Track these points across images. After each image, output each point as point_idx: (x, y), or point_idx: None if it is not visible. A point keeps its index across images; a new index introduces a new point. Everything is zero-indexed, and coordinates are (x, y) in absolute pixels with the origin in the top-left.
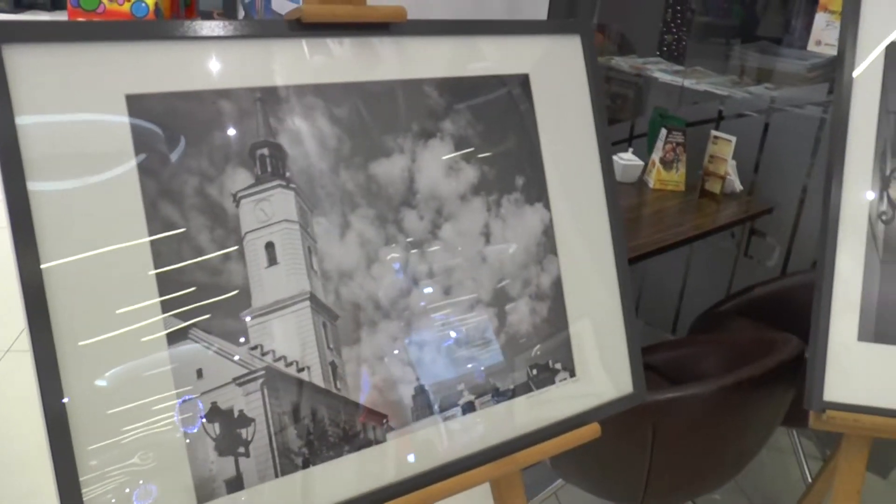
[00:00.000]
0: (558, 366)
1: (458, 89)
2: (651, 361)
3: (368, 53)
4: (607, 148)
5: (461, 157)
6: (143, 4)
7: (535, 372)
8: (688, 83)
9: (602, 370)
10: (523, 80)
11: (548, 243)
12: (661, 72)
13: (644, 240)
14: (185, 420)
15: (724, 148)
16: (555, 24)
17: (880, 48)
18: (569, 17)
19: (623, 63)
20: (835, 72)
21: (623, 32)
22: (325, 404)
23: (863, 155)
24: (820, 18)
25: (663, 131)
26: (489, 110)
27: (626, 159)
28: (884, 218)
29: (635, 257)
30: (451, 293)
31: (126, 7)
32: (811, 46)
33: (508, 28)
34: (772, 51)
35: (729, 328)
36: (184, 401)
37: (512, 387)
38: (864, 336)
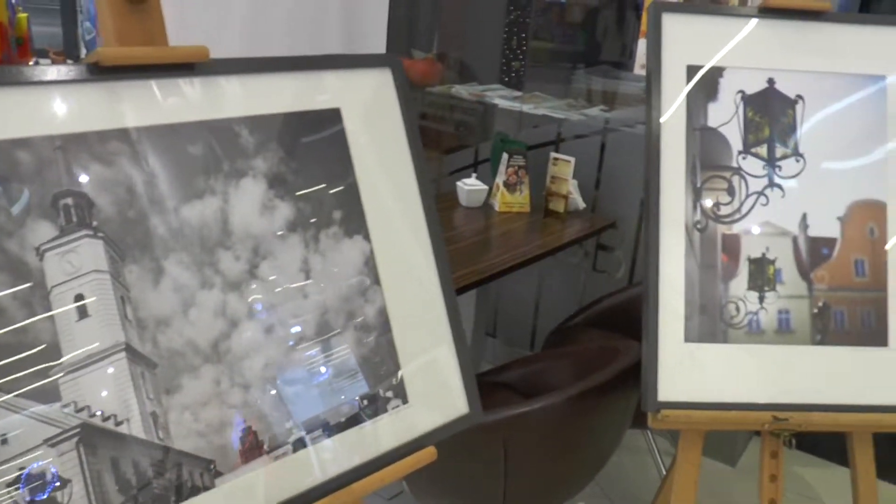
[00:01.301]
0: (389, 394)
1: (269, 127)
2: (505, 379)
3: (175, 95)
4: (425, 176)
5: (275, 194)
6: None
7: (365, 402)
8: (526, 108)
9: (435, 394)
10: (335, 115)
11: (370, 274)
12: (501, 98)
13: (492, 261)
14: None
15: (564, 168)
16: (365, 58)
17: (682, 69)
18: (408, 48)
19: (463, 91)
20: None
21: (464, 61)
22: (148, 456)
23: (676, 169)
24: (642, 44)
25: (505, 156)
26: (302, 146)
27: (471, 185)
28: (699, 226)
29: (484, 278)
30: (273, 332)
31: None
32: (637, 70)
33: (319, 63)
34: (612, 74)
35: (580, 340)
36: None
37: (343, 419)
38: (690, 337)
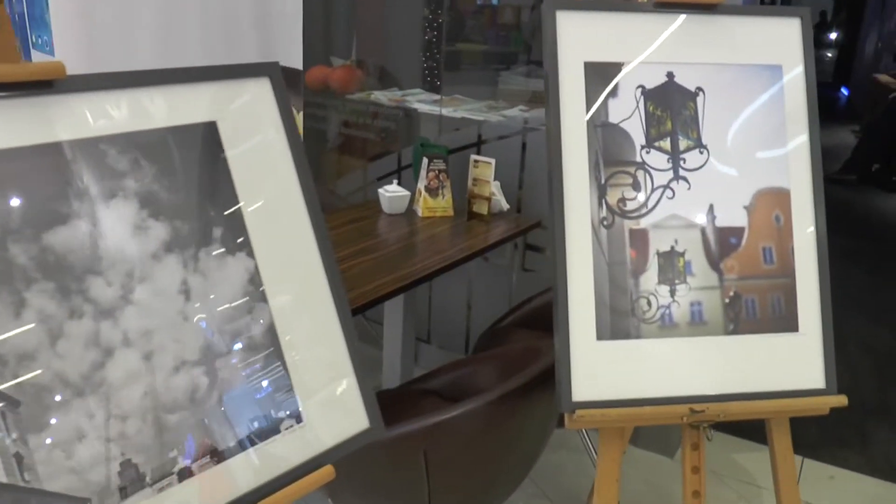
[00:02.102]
0: (282, 414)
1: (138, 144)
2: (432, 386)
3: (34, 114)
4: (310, 185)
5: (149, 214)
6: None
7: (256, 425)
8: (445, 111)
9: (332, 411)
10: (211, 129)
11: (255, 292)
12: (420, 102)
13: (415, 266)
14: None
15: (485, 170)
16: (241, 68)
17: (579, 67)
18: (326, 55)
19: (382, 97)
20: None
21: (385, 66)
22: (13, 500)
23: (578, 167)
24: None
25: (425, 160)
26: (177, 163)
27: (392, 191)
28: (605, 223)
29: (407, 284)
30: (152, 358)
31: None
32: None
33: (192, 76)
34: (536, 74)
35: (509, 341)
36: None
37: (232, 444)
38: (602, 335)
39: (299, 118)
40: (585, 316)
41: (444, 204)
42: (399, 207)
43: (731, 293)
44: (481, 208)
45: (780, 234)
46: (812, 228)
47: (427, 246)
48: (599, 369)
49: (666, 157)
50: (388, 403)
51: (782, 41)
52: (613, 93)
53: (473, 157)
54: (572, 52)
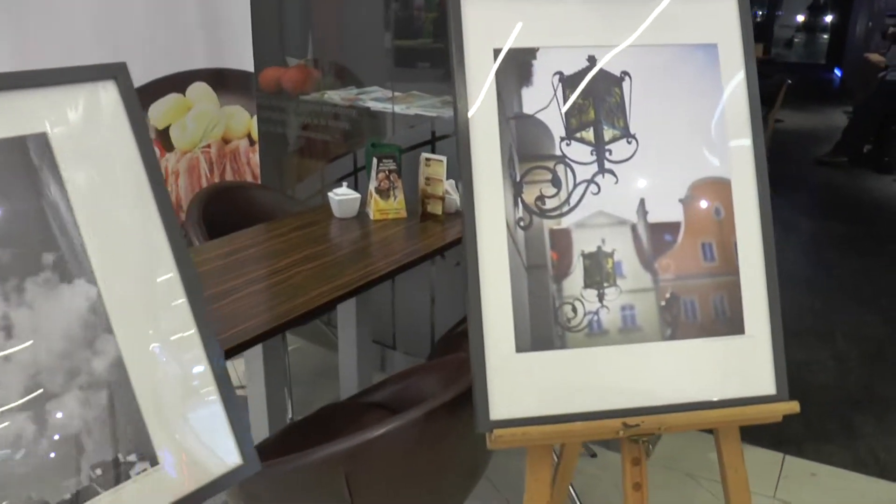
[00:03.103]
0: (133, 457)
1: None
2: (377, 399)
3: None
4: (165, 199)
5: None
6: None
7: (99, 472)
8: (398, 109)
9: (195, 449)
10: (41, 140)
11: (98, 322)
12: (374, 101)
13: (361, 272)
14: None
15: (437, 168)
16: (80, 70)
17: (488, 54)
18: (282, 55)
19: (336, 96)
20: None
21: (343, 65)
22: None
23: (491, 164)
24: None
25: (374, 161)
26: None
27: (341, 194)
28: (522, 224)
29: (352, 291)
30: None
31: None
32: None
33: (19, 82)
34: None
35: (462, 347)
36: None
37: (69, 495)
38: (522, 347)
39: (253, 122)
40: (502, 326)
41: (395, 205)
42: (350, 211)
43: (668, 295)
44: (435, 208)
45: (720, 228)
46: (757, 220)
47: (377, 249)
48: (520, 384)
49: (589, 148)
50: (331, 418)
51: (717, 18)
52: (527, 81)
53: (425, 155)
54: (480, 38)
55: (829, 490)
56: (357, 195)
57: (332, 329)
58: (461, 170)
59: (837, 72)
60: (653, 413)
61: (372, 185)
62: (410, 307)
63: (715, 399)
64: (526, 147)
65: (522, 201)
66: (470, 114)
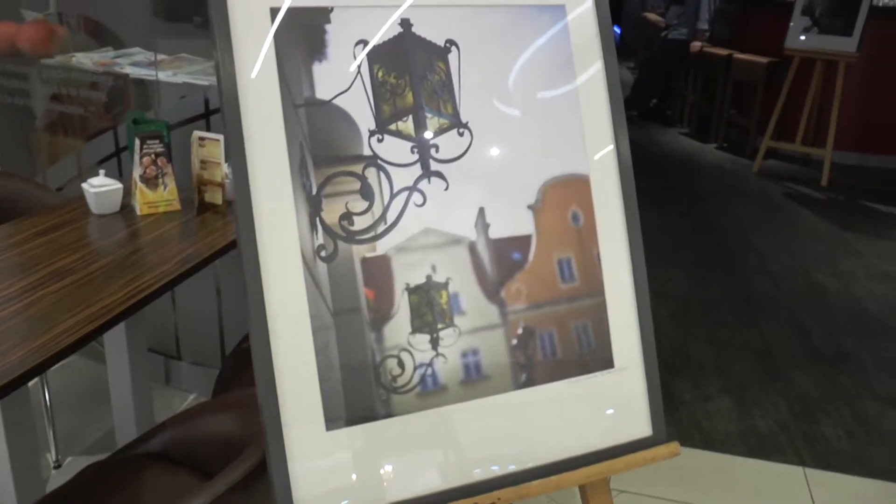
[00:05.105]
0: None
1: None
2: (155, 447)
3: None
4: None
5: None
6: None
7: None
8: (163, 76)
9: None
10: None
11: None
12: (134, 66)
13: (134, 285)
14: None
15: (213, 149)
16: None
17: (264, 16)
18: (14, 7)
19: (87, 60)
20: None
21: (98, 21)
22: None
23: (276, 171)
24: None
25: (137, 142)
26: None
27: (98, 185)
28: (323, 254)
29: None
30: None
31: None
32: None
33: None
34: None
35: None
36: None
37: None
38: (333, 422)
39: None
40: (306, 399)
41: (166, 196)
42: (111, 205)
43: (520, 330)
44: (214, 197)
45: (580, 238)
46: (622, 225)
47: (147, 254)
48: (333, 468)
49: (409, 145)
50: (101, 483)
51: None
52: (320, 54)
53: (198, 133)
54: (254, 14)
55: (657, 470)
56: (118, 185)
57: (102, 342)
58: (235, 185)
59: (616, 29)
60: (511, 483)
61: (136, 173)
62: (195, 311)
63: (583, 453)
64: (323, 146)
65: (322, 222)
66: (242, 101)
